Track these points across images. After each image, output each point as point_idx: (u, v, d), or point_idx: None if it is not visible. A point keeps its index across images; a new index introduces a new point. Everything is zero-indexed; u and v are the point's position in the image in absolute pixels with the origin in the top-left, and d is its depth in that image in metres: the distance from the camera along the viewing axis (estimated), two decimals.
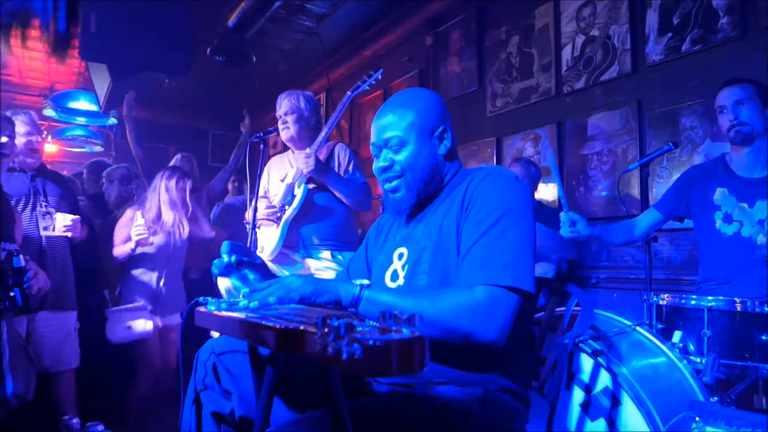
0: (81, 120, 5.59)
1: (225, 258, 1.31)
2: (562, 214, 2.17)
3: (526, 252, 1.15)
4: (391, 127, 1.31)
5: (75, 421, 2.32)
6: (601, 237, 2.23)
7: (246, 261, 1.33)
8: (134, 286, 2.99)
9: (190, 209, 3.11)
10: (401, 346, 0.65)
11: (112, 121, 5.68)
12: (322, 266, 2.48)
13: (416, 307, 1.08)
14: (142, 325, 2.89)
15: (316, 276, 2.23)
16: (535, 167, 3.12)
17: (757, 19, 2.51)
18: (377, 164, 1.36)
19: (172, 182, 3.04)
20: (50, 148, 5.96)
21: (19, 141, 2.55)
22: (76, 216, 2.58)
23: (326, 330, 0.69)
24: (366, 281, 1.14)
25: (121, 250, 2.94)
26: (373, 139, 1.37)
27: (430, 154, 1.32)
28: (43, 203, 2.62)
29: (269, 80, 6.09)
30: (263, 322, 0.86)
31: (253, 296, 1.10)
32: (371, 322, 0.87)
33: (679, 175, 2.34)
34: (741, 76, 2.14)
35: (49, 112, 5.34)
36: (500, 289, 1.10)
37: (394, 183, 1.33)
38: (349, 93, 2.55)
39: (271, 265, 2.53)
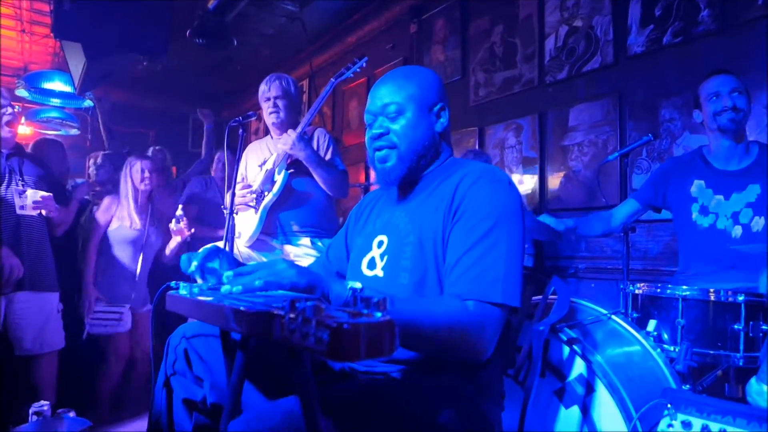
0: (55, 101, 5.42)
1: (194, 266, 1.24)
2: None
3: (516, 265, 1.13)
4: (390, 94, 1.30)
5: (46, 407, 2.27)
6: (577, 228, 2.24)
7: (214, 270, 1.27)
8: (111, 275, 2.95)
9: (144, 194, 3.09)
10: (370, 330, 0.63)
11: (88, 103, 5.53)
12: (302, 253, 2.45)
13: (411, 318, 1.02)
14: (120, 325, 2.94)
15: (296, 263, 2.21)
16: (483, 159, 3.12)
17: (736, 13, 2.53)
18: (371, 132, 1.32)
19: (133, 168, 3.01)
20: (24, 130, 5.78)
21: None
22: (48, 193, 2.53)
23: (293, 313, 0.67)
24: (358, 284, 1.07)
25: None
26: (369, 106, 1.34)
27: (427, 128, 1.30)
28: (20, 182, 2.57)
29: (251, 65, 5.98)
30: (232, 306, 0.84)
31: (237, 280, 1.01)
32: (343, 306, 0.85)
33: (657, 166, 2.36)
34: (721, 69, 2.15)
35: (21, 92, 5.17)
36: (492, 306, 1.08)
37: (384, 152, 1.30)
38: (332, 79, 2.51)
39: (248, 252, 2.50)
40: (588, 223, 2.32)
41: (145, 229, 3.01)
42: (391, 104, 1.29)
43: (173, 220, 2.97)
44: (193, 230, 3.04)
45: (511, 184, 1.23)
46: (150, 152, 4.25)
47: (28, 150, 3.29)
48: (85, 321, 2.87)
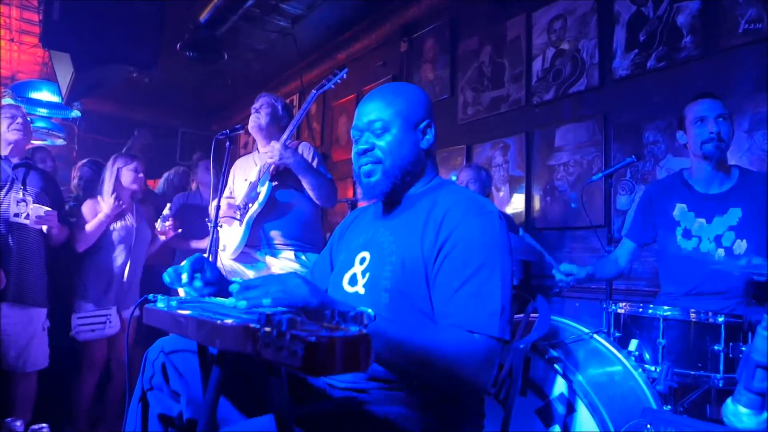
0: (42, 111, 5.39)
1: (184, 278, 1.20)
2: (554, 272, 2.13)
3: (509, 298, 1.13)
4: (377, 110, 1.30)
5: (18, 423, 2.21)
6: (594, 274, 2.19)
7: (201, 280, 1.23)
8: (98, 277, 2.89)
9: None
10: (346, 344, 0.62)
11: (75, 113, 5.50)
12: (288, 266, 2.44)
13: (422, 349, 1.01)
14: (108, 328, 2.86)
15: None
16: (486, 173, 3.13)
17: (718, 40, 2.59)
18: (357, 147, 1.32)
19: (124, 168, 2.96)
20: None
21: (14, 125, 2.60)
22: (52, 210, 2.50)
23: (269, 327, 0.66)
24: (371, 311, 0.97)
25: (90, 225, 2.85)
26: (355, 122, 1.34)
27: (412, 145, 1.30)
28: (20, 190, 2.54)
29: (242, 79, 6.01)
30: (209, 320, 0.83)
31: (244, 294, 0.95)
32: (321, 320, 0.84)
33: (640, 194, 2.32)
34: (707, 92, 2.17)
35: (8, 101, 5.14)
36: (494, 340, 1.08)
37: (369, 167, 1.30)
38: (314, 91, 2.53)
39: (231, 264, 2.48)
40: (602, 266, 2.23)
41: (133, 229, 2.97)
42: (377, 121, 1.29)
43: (159, 219, 2.96)
44: (180, 230, 3.05)
45: (499, 215, 1.22)
46: (173, 171, 4.20)
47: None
48: (71, 326, 2.79)
